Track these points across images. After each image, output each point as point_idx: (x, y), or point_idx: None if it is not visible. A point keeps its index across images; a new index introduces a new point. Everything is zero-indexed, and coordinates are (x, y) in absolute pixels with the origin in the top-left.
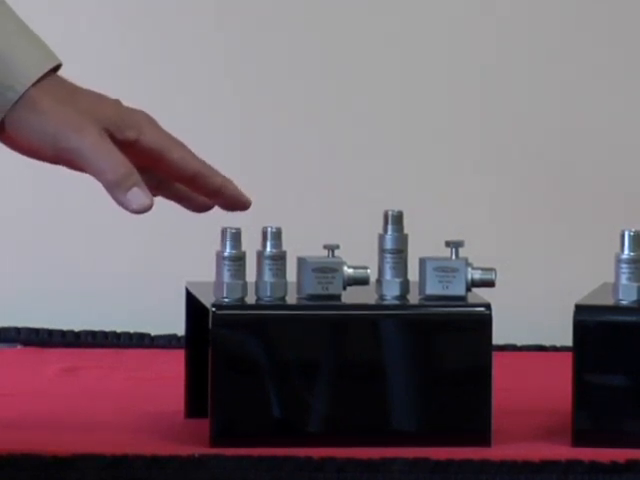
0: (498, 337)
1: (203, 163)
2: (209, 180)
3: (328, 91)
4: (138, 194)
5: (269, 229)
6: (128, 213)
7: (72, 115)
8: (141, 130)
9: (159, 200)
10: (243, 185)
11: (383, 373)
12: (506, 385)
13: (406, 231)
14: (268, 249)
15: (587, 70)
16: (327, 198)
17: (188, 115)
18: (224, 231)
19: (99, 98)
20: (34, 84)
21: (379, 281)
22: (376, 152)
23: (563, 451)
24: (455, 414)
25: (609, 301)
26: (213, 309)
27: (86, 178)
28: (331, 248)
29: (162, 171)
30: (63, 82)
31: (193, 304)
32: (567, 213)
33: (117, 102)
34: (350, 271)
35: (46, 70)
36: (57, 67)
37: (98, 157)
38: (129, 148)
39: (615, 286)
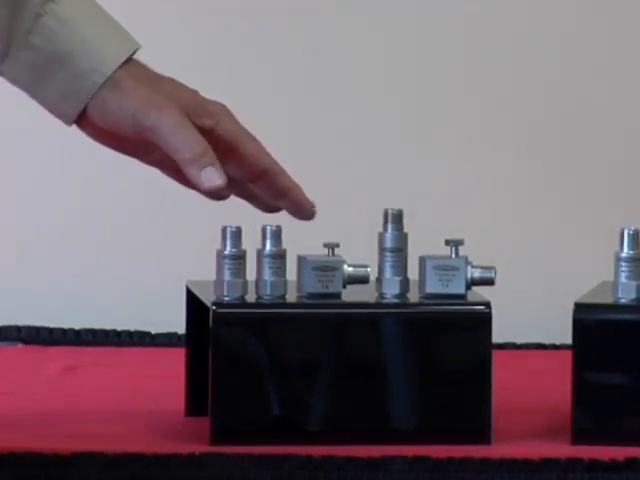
0: (498, 335)
1: (274, 162)
2: (278, 179)
3: (328, 88)
4: (212, 172)
5: (269, 228)
6: (127, 211)
7: (152, 94)
8: (218, 119)
9: (159, 198)
10: None
11: (383, 371)
12: (506, 383)
13: (406, 230)
14: (268, 247)
15: (584, 69)
16: (327, 196)
17: None
18: (224, 230)
19: (179, 84)
20: (119, 67)
21: (379, 279)
22: (376, 151)
23: (563, 449)
24: (455, 412)
25: (608, 299)
26: (213, 307)
27: (85, 177)
28: (331, 247)
29: (234, 163)
30: (143, 66)
31: (193, 302)
32: (567, 211)
33: (196, 91)
34: (350, 269)
35: (130, 53)
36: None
37: (175, 135)
38: (205, 136)
39: (614, 284)
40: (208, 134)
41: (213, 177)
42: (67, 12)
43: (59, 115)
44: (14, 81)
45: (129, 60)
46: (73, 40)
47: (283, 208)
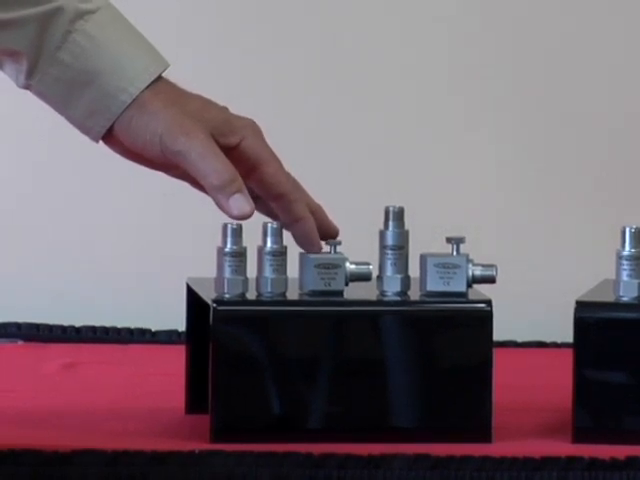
0: (499, 333)
1: (293, 187)
2: (292, 205)
3: (329, 86)
4: (240, 200)
5: (269, 225)
6: (127, 209)
7: (181, 117)
8: (244, 136)
9: (159, 196)
10: None
11: (384, 369)
12: (507, 382)
13: (407, 227)
14: (268, 245)
15: (584, 68)
16: (328, 194)
17: None
18: (225, 227)
19: (207, 103)
20: (147, 87)
21: (380, 277)
22: (378, 148)
23: (563, 448)
24: (456, 410)
25: (610, 298)
26: (214, 305)
27: (85, 176)
28: (333, 244)
29: (254, 181)
30: (172, 85)
31: (194, 300)
32: (568, 210)
33: (224, 108)
34: (352, 267)
35: (158, 73)
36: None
37: (204, 161)
38: (229, 152)
39: (616, 283)
40: (232, 151)
41: (241, 204)
42: (97, 30)
43: (86, 132)
44: (42, 96)
45: (157, 79)
46: (102, 58)
47: (292, 235)
